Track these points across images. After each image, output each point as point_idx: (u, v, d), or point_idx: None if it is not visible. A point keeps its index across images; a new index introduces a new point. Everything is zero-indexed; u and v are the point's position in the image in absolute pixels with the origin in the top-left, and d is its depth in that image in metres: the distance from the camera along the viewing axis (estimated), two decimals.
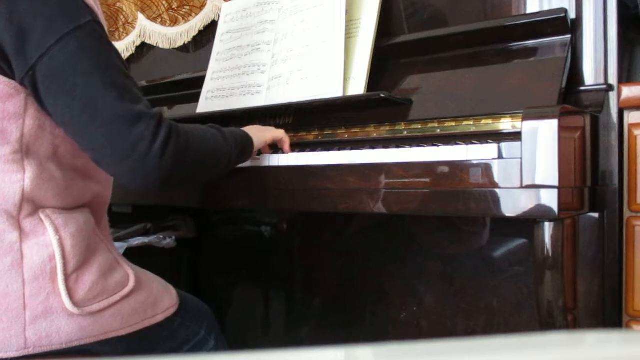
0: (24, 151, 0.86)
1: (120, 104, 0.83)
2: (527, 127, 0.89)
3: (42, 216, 0.88)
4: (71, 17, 0.82)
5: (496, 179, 0.91)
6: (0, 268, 0.84)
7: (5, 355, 0.84)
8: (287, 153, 1.21)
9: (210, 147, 0.97)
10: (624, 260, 1.08)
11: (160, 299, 1.00)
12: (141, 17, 1.91)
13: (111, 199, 1.05)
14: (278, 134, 1.22)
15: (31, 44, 0.80)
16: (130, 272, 0.97)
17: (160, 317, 0.99)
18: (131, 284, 0.95)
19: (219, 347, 1.10)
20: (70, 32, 0.81)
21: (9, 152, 0.85)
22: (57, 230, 0.87)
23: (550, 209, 0.86)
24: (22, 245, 0.85)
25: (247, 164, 1.22)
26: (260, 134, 1.16)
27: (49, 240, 0.87)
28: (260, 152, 1.23)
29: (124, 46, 1.95)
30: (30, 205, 0.87)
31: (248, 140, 1.09)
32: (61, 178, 0.90)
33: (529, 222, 0.93)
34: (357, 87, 1.25)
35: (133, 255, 1.36)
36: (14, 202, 0.85)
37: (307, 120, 1.33)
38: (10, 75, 0.83)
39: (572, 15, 1.12)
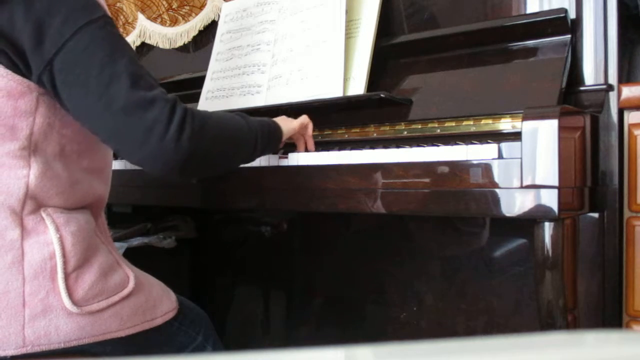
0: (32, 148, 0.87)
1: (134, 91, 0.84)
2: (527, 127, 0.89)
3: (43, 214, 0.88)
4: (85, 13, 0.86)
5: (496, 179, 0.91)
6: (0, 265, 0.85)
7: (3, 354, 0.84)
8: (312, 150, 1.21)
9: (230, 131, 0.97)
10: (624, 260, 1.08)
11: (160, 302, 1.00)
12: (141, 17, 1.91)
13: (111, 199, 1.06)
14: (304, 119, 1.20)
15: (48, 40, 0.83)
16: (130, 274, 0.97)
17: (159, 321, 0.99)
18: (131, 285, 0.95)
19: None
20: (84, 26, 0.85)
21: (17, 148, 0.86)
22: (57, 229, 0.88)
23: (550, 209, 0.86)
24: (23, 243, 0.86)
25: (247, 164, 1.21)
26: (287, 122, 1.15)
27: (49, 238, 0.87)
28: (286, 152, 1.21)
29: None
30: (33, 202, 0.88)
31: (275, 126, 1.09)
32: (66, 177, 0.91)
33: (529, 222, 0.93)
34: (357, 87, 1.25)
35: (133, 255, 1.36)
36: (18, 197, 0.86)
37: None
38: (25, 73, 0.85)
39: (572, 15, 1.12)
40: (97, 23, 0.86)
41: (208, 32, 1.74)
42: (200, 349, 1.07)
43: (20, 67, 0.85)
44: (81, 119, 0.88)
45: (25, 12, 0.83)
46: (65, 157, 0.91)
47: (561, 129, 0.87)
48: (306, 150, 1.22)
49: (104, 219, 1.05)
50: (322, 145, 1.27)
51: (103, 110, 0.84)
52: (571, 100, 1.11)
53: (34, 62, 0.84)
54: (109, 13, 0.91)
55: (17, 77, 0.85)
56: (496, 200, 0.91)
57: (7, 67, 0.84)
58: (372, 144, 1.21)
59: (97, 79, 0.84)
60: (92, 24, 0.85)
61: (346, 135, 1.28)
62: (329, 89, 1.26)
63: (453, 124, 1.13)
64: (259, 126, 1.03)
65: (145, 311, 0.97)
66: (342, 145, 1.24)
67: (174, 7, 1.84)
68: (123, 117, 0.84)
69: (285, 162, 1.19)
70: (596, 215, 1.09)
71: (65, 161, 0.91)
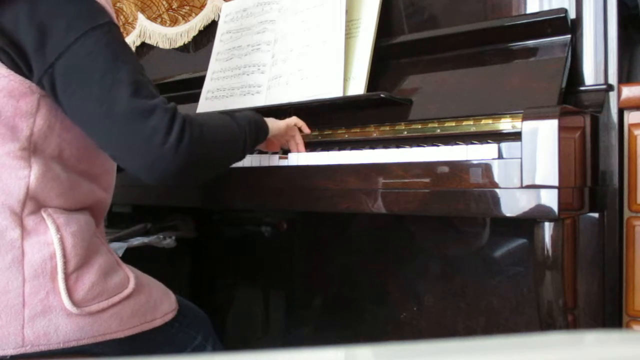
0: (32, 149, 0.87)
1: (135, 99, 0.84)
2: (527, 127, 0.89)
3: (44, 215, 0.88)
4: (90, 18, 0.85)
5: (496, 179, 0.91)
6: (0, 265, 0.85)
7: (3, 353, 0.84)
8: (302, 151, 1.21)
9: (224, 134, 0.98)
10: (624, 260, 1.08)
11: (160, 303, 1.00)
12: (141, 17, 1.91)
13: (111, 198, 1.06)
14: (291, 121, 1.20)
15: (51, 43, 0.83)
16: (130, 275, 0.97)
17: (158, 322, 0.99)
18: (131, 286, 0.95)
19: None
20: (89, 31, 0.84)
21: (17, 149, 0.86)
22: (58, 229, 0.88)
23: (550, 209, 0.86)
24: (24, 242, 0.86)
25: (247, 163, 1.21)
26: (274, 120, 1.15)
27: (50, 238, 0.87)
28: (286, 152, 1.21)
29: None
30: (34, 202, 0.87)
31: (259, 120, 1.09)
32: (65, 179, 0.91)
33: (529, 222, 0.93)
34: (357, 87, 1.25)
35: (133, 255, 1.36)
36: (18, 198, 0.86)
37: (307, 120, 1.33)
38: (27, 74, 0.85)
39: (572, 15, 1.12)
40: (102, 29, 0.85)
41: (208, 32, 1.74)
42: (199, 349, 1.07)
43: (22, 68, 0.84)
44: (80, 124, 0.88)
45: (29, 13, 0.82)
46: (63, 160, 0.91)
47: (561, 129, 0.87)
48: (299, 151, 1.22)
49: (103, 225, 1.05)
50: (322, 145, 1.27)
51: (103, 116, 0.84)
52: (571, 100, 1.11)
53: (36, 65, 0.84)
54: (115, 19, 0.91)
55: (19, 78, 0.85)
56: (496, 200, 0.91)
57: (9, 67, 0.84)
58: (372, 144, 1.21)
59: (99, 85, 0.83)
60: (97, 29, 0.85)
61: (346, 135, 1.28)
62: (329, 89, 1.26)
63: (453, 124, 1.13)
64: (246, 123, 1.04)
65: (145, 312, 0.97)
66: (342, 145, 1.24)
67: (174, 7, 1.84)
68: (123, 124, 0.84)
69: (285, 162, 1.19)
70: (596, 215, 1.09)
71: (63, 164, 0.91)
